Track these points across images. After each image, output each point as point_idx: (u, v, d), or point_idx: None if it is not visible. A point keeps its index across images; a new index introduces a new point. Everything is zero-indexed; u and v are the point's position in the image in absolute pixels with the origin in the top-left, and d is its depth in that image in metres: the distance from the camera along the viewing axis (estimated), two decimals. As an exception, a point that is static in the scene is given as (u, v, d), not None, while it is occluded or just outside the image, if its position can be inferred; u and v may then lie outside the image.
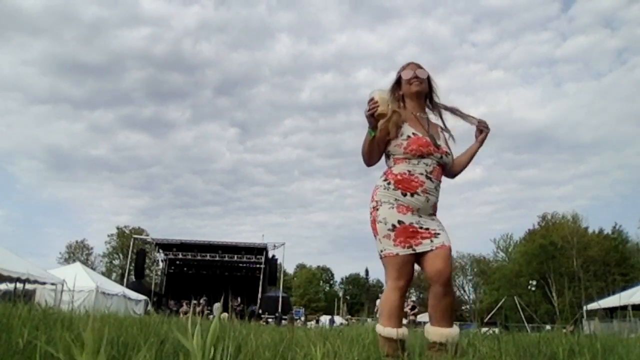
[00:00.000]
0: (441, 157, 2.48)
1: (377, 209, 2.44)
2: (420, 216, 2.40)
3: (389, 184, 2.45)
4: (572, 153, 75.50)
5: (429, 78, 2.63)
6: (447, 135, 2.66)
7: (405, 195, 2.39)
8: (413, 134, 2.47)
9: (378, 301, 18.60)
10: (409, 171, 2.43)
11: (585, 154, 75.02)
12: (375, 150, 2.47)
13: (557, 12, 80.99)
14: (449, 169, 2.63)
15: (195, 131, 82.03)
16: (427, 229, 2.38)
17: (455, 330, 2.32)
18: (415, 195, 2.39)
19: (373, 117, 2.33)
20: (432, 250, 2.34)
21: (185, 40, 79.35)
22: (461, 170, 2.68)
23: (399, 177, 2.43)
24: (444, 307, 2.34)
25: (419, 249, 2.34)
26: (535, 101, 78.35)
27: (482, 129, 2.63)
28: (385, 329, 2.30)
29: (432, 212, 2.49)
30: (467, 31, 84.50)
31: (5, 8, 65.27)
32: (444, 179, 2.57)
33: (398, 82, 2.64)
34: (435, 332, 2.32)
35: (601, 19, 72.37)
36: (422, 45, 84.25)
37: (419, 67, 2.63)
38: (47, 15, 72.29)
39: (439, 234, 2.39)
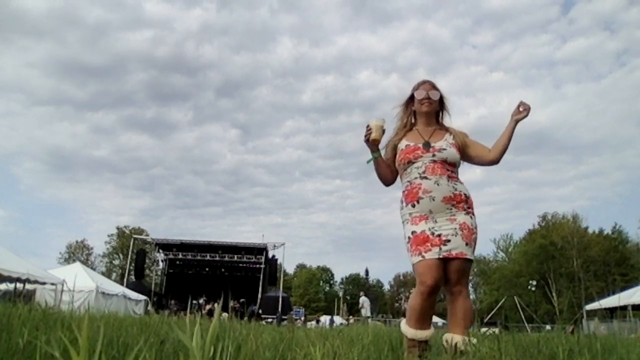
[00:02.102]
0: (433, 155, 2.53)
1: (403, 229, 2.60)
2: (436, 221, 2.44)
3: (401, 202, 2.61)
4: (571, 154, 75.72)
5: (441, 97, 2.71)
6: (454, 135, 2.66)
7: (414, 206, 2.50)
8: (406, 145, 2.63)
9: (361, 299, 18.46)
10: (409, 182, 2.57)
11: (585, 155, 75.15)
12: (384, 171, 2.69)
13: (557, 15, 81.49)
14: (484, 158, 2.63)
15: (197, 132, 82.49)
16: (439, 235, 2.41)
17: (459, 338, 2.31)
18: (420, 201, 2.48)
19: (369, 142, 2.62)
20: (440, 258, 2.39)
21: (187, 42, 79.83)
22: (501, 153, 2.60)
23: (405, 192, 2.59)
24: (455, 313, 2.40)
25: (428, 256, 2.39)
26: (535, 103, 78.03)
27: (522, 110, 2.57)
28: (403, 328, 2.47)
29: (454, 206, 2.45)
30: (467, 33, 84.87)
31: (9, 11, 65.49)
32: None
33: (411, 98, 2.75)
34: (445, 337, 2.38)
35: (601, 21, 72.86)
36: (423, 47, 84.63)
37: (433, 87, 2.70)
38: (50, 18, 72.65)
39: (449, 240, 2.39)
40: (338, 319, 26.91)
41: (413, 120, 2.76)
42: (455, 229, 2.42)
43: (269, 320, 20.87)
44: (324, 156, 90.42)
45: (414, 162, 2.56)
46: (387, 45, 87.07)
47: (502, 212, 79.96)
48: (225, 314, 10.87)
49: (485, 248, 59.25)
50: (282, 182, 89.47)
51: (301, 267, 76.63)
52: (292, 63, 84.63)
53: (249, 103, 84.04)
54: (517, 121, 2.57)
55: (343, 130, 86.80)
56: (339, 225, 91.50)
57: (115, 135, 79.02)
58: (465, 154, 2.64)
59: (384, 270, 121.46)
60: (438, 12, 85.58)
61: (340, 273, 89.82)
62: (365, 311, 17.34)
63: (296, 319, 23.88)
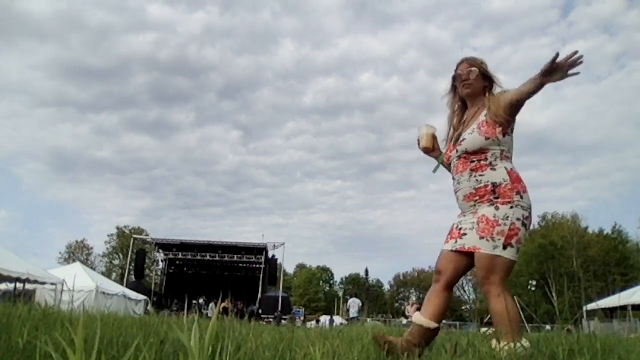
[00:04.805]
0: (457, 152, 2.46)
1: None
2: (465, 216, 2.41)
3: None
4: (571, 155, 75.86)
5: (483, 72, 2.51)
6: (487, 111, 2.43)
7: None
8: (447, 146, 2.62)
9: (349, 301, 19.13)
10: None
11: (585, 156, 75.34)
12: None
13: (557, 18, 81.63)
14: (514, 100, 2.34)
15: (199, 134, 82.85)
16: (460, 229, 2.39)
17: (495, 343, 2.11)
18: (456, 200, 2.50)
19: (424, 151, 2.66)
20: (453, 251, 2.37)
21: (190, 45, 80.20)
22: (523, 99, 2.32)
23: None
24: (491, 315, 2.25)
25: (445, 247, 2.42)
26: (536, 104, 78.34)
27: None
28: (414, 314, 2.44)
29: (477, 202, 2.34)
30: (468, 36, 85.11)
31: (14, 14, 65.69)
32: None
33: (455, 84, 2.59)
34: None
35: (600, 24, 73.18)
36: (424, 49, 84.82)
37: (470, 65, 2.51)
38: (54, 21, 73.26)
39: (465, 234, 2.34)
40: (338, 319, 26.92)
41: (462, 104, 2.62)
42: (474, 222, 2.31)
43: (269, 320, 20.87)
44: (325, 157, 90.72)
45: (451, 164, 2.54)
46: (388, 47, 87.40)
47: (502, 212, 79.87)
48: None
49: (485, 248, 59.07)
50: (283, 183, 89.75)
51: (301, 267, 76.60)
52: (294, 65, 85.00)
53: (251, 105, 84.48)
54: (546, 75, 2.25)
55: (344, 132, 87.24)
56: (339, 225, 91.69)
57: (118, 136, 79.50)
58: (512, 107, 2.33)
59: (384, 270, 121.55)
60: (439, 15, 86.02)
61: (340, 273, 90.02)
62: (352, 312, 18.10)
63: (296, 319, 23.89)
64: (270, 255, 28.72)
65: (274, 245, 28.66)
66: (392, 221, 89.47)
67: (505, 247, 2.20)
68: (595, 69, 76.26)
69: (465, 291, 64.31)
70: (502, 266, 2.20)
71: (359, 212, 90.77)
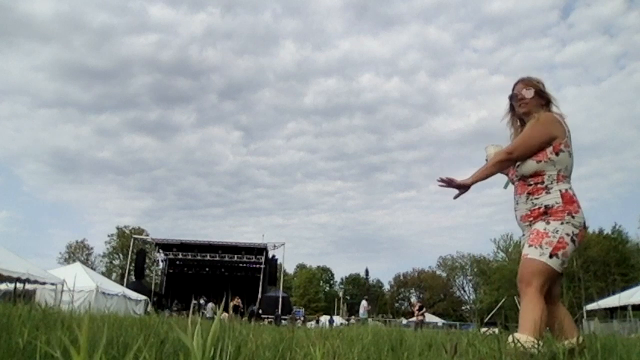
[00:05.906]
0: (516, 176, 2.57)
1: None
2: (524, 234, 2.52)
3: None
4: (571, 154, 75.57)
5: (539, 91, 2.57)
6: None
7: None
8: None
9: (363, 302, 19.95)
10: None
11: (585, 157, 74.99)
12: None
13: (556, 19, 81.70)
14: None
15: (200, 134, 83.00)
16: (523, 244, 2.47)
17: (517, 335, 2.13)
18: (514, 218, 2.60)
19: None
20: None
21: (191, 46, 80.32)
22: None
23: None
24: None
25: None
26: (535, 102, 78.43)
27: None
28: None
29: (531, 222, 2.44)
30: (468, 37, 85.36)
31: (16, 15, 65.80)
32: None
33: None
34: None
35: (600, 25, 73.39)
36: (424, 51, 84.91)
37: (526, 84, 2.59)
38: (56, 23, 73.33)
39: (524, 245, 2.44)
40: (338, 319, 26.93)
41: (522, 123, 2.67)
42: (529, 236, 2.41)
43: (269, 319, 20.88)
44: (326, 158, 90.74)
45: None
46: (388, 48, 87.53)
47: (502, 212, 79.77)
48: (225, 315, 10.87)
49: (485, 248, 59.38)
50: (283, 183, 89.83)
51: (301, 267, 76.56)
52: (295, 66, 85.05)
53: (252, 105, 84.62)
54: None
55: (345, 133, 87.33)
56: (339, 225, 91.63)
57: (119, 137, 79.62)
58: None
59: (384, 270, 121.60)
60: (439, 16, 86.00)
61: (340, 273, 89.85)
62: (361, 313, 19.23)
63: (297, 319, 23.93)
64: (270, 255, 28.72)
65: (274, 245, 28.66)
66: (393, 221, 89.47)
67: (551, 256, 2.29)
68: (595, 70, 76.71)
69: (465, 291, 64.45)
70: (543, 272, 2.27)
71: (360, 212, 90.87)
